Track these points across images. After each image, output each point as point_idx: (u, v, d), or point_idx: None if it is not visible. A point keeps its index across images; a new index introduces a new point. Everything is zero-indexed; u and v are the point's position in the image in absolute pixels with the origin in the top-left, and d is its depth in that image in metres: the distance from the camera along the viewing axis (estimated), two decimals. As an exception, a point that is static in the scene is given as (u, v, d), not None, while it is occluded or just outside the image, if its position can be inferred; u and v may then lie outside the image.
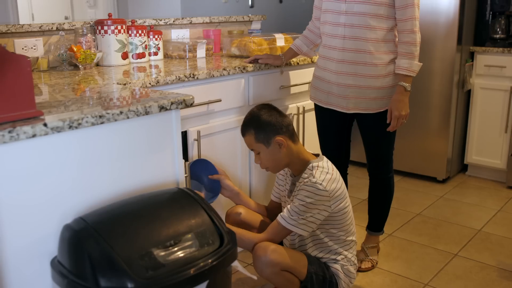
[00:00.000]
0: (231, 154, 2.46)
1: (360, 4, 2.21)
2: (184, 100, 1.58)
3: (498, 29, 3.81)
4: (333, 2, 2.29)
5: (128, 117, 1.44)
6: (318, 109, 2.49)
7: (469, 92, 3.84)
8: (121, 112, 1.41)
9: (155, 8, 5.12)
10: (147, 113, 1.48)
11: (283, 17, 5.90)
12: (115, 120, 1.41)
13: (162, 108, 1.52)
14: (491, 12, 3.78)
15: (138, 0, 5.16)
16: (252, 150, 2.05)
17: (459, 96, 3.73)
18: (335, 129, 2.48)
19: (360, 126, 2.44)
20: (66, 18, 6.03)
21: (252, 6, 5.56)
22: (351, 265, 2.07)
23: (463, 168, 4.05)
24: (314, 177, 1.91)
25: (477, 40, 3.82)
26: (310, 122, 2.79)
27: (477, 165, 3.91)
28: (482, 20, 3.80)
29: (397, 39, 2.27)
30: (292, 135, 2.01)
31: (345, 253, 2.06)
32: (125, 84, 1.93)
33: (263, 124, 1.97)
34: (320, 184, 1.89)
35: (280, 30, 5.36)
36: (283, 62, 2.55)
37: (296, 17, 6.07)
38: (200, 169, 2.14)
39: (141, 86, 1.98)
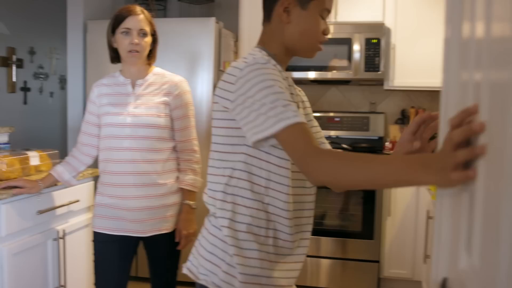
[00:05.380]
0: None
1: (145, 128, 2.20)
2: None
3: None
4: (116, 127, 2.22)
5: None
6: (102, 239, 2.28)
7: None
8: None
9: None
10: None
11: (31, 122, 5.48)
12: None
13: None
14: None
15: None
16: None
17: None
18: (118, 261, 2.29)
19: (148, 251, 2.36)
20: None
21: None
22: None
23: None
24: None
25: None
26: (75, 250, 2.53)
27: None
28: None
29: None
30: None
31: None
32: None
33: None
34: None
35: (28, 140, 4.95)
36: (41, 189, 2.30)
37: (45, 120, 5.71)
38: None
39: None
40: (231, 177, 1.36)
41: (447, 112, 1.04)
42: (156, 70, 2.32)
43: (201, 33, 3.63)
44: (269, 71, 1.29)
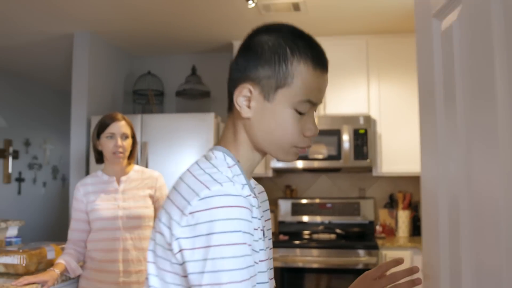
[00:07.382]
0: None
1: (135, 219, 2.49)
2: None
3: None
4: (107, 221, 2.45)
5: None
6: None
7: None
8: None
9: None
10: None
11: (24, 212, 5.54)
12: None
13: None
14: None
15: None
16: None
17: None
18: None
19: None
20: None
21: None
22: None
23: None
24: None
25: None
26: None
27: None
28: None
29: None
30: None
31: None
32: None
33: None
34: None
35: (23, 231, 4.99)
36: (58, 277, 2.39)
37: (38, 210, 5.76)
38: None
39: None
40: None
41: (426, 198, 1.25)
42: (136, 167, 2.63)
43: (200, 127, 3.84)
44: (240, 213, 0.90)
